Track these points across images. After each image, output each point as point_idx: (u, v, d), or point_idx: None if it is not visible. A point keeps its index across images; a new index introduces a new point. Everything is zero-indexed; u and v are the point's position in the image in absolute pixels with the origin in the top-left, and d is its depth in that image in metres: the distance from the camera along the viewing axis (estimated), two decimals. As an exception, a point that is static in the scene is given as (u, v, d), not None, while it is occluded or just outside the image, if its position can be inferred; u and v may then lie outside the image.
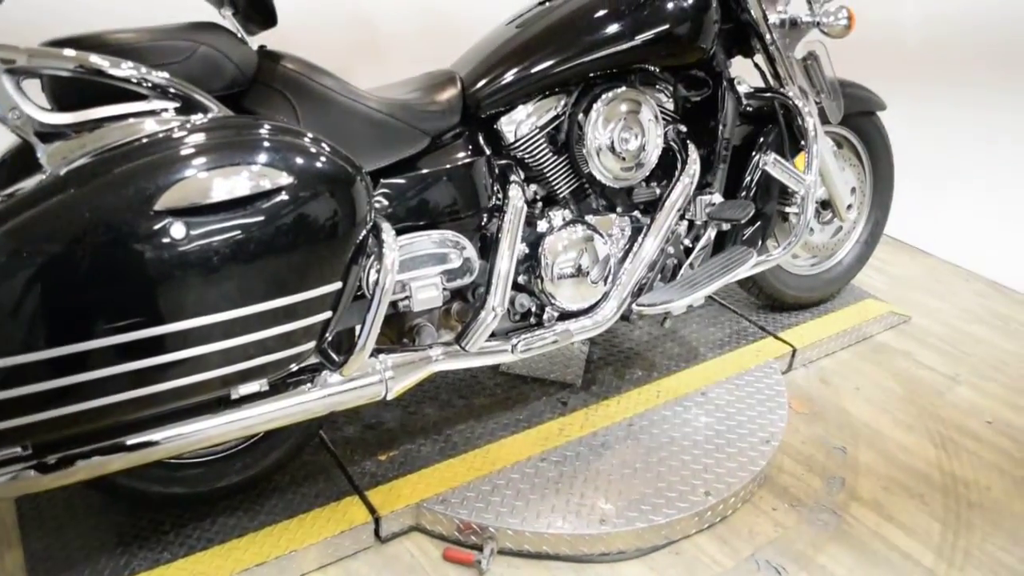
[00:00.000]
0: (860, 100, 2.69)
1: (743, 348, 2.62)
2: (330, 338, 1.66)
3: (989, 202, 3.22)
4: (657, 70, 2.20)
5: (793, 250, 2.42)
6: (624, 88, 2.07)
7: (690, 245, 2.30)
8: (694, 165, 2.20)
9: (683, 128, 2.26)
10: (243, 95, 1.68)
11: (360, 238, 1.59)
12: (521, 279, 2.09)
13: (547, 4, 2.13)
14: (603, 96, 2.05)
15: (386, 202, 1.83)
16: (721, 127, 2.29)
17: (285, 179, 1.45)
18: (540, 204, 2.14)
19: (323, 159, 1.52)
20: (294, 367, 1.62)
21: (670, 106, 2.25)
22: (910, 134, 3.25)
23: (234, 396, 1.62)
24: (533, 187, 2.12)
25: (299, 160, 1.49)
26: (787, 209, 2.44)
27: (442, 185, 1.91)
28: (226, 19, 1.72)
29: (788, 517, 2.11)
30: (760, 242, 2.42)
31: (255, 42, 1.76)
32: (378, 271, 1.67)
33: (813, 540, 2.05)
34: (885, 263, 3.32)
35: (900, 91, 3.26)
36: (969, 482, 2.26)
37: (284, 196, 1.46)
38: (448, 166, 1.92)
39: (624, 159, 2.09)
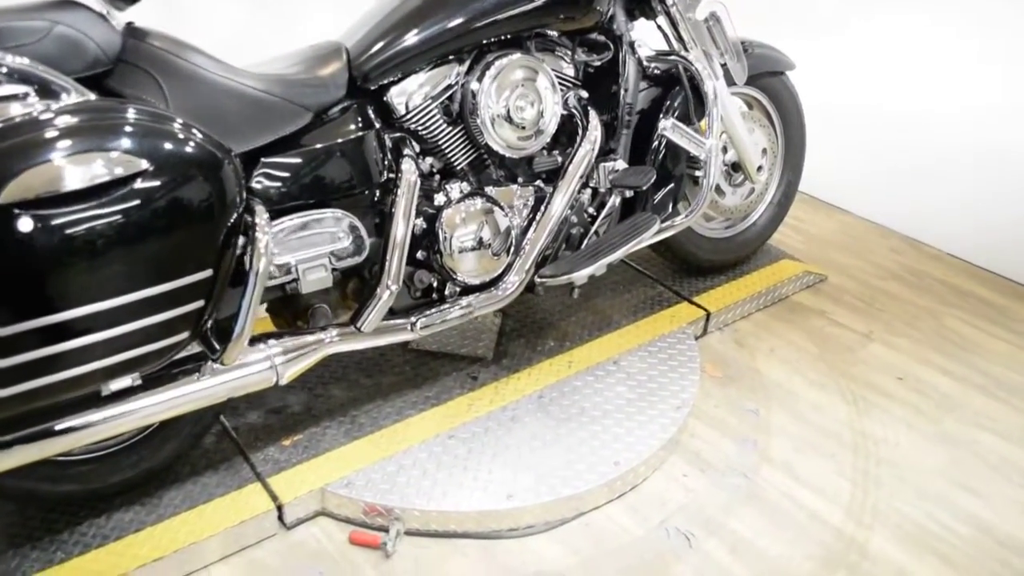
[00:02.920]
0: (768, 60, 2.67)
1: (657, 314, 2.60)
2: (209, 326, 1.61)
3: (903, 155, 3.23)
4: (555, 35, 2.15)
5: (697, 216, 2.40)
6: (518, 55, 2.02)
7: (595, 213, 2.26)
8: (595, 131, 2.16)
9: (584, 94, 2.22)
10: (108, 76, 1.60)
11: (230, 223, 1.52)
12: (420, 255, 2.04)
13: None
14: (496, 64, 1.99)
15: (268, 182, 1.76)
16: (622, 92, 2.25)
17: (142, 165, 1.38)
18: (437, 177, 2.08)
19: (185, 142, 1.45)
20: (170, 358, 1.56)
21: (570, 72, 2.20)
22: (823, 85, 3.25)
23: (106, 392, 1.55)
24: (429, 160, 2.06)
25: (158, 144, 1.41)
26: (695, 174, 2.41)
27: (329, 162, 1.84)
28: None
29: (699, 482, 2.11)
30: (667, 208, 2.40)
31: (126, 18, 1.68)
32: (251, 256, 1.61)
33: (723, 505, 2.06)
34: (802, 222, 3.33)
35: (811, 41, 3.26)
36: (879, 439, 2.28)
37: (142, 183, 1.39)
38: (334, 142, 1.85)
39: (521, 128, 2.04)
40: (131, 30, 1.65)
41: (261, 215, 1.61)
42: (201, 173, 1.46)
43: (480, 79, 1.98)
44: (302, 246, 1.80)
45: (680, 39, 2.34)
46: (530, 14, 2.02)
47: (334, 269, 1.85)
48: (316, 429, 2.13)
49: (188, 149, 1.44)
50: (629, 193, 2.28)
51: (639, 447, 2.09)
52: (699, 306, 2.64)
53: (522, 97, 2.02)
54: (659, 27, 2.37)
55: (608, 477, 2.01)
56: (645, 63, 2.30)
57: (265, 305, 1.97)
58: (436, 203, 2.04)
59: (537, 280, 2.14)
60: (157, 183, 1.40)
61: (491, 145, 2.03)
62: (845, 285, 2.96)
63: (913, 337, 2.70)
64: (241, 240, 1.59)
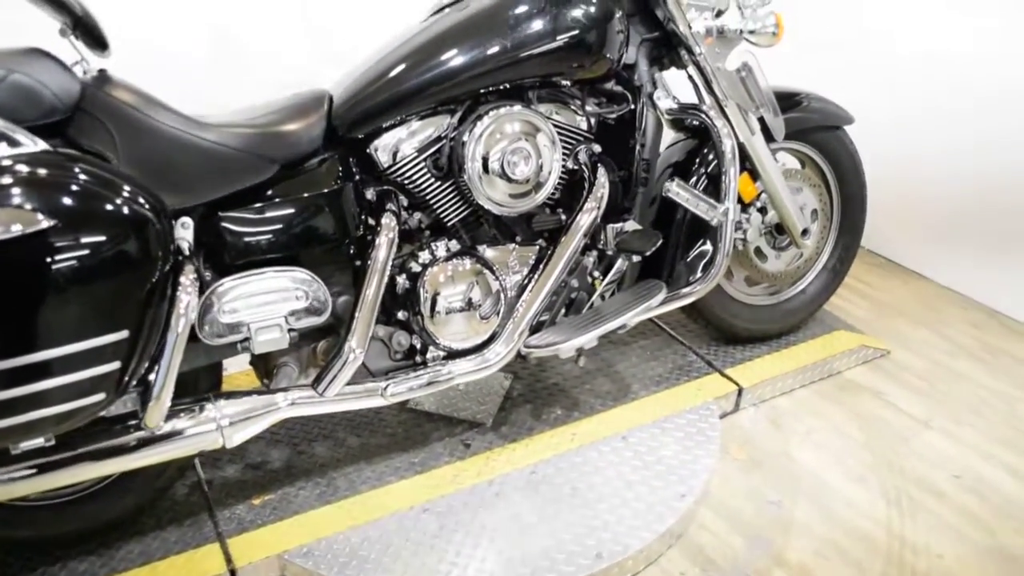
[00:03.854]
0: (822, 113, 2.44)
1: (682, 386, 2.39)
2: (133, 386, 1.53)
3: (991, 220, 2.90)
4: (565, 83, 2.00)
5: (708, 288, 2.18)
6: (512, 107, 1.88)
7: (600, 277, 2.09)
8: (602, 189, 1.99)
9: (596, 149, 2.06)
10: (68, 124, 1.56)
11: (152, 282, 1.45)
12: (401, 315, 1.93)
13: (443, 11, 1.95)
14: (488, 116, 1.86)
15: (225, 237, 1.69)
16: (638, 147, 2.08)
17: (47, 221, 1.32)
18: (427, 233, 1.97)
19: (105, 197, 1.38)
20: (86, 419, 1.49)
21: (580, 124, 2.05)
22: (901, 140, 2.96)
23: (15, 451, 1.50)
24: (417, 215, 1.95)
25: (70, 199, 1.35)
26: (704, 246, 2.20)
27: (293, 217, 1.75)
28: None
29: (695, 583, 1.90)
30: (684, 276, 2.20)
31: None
32: (171, 316, 1.52)
33: (719, 612, 1.83)
34: (870, 287, 3.04)
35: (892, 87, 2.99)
36: (919, 548, 2.00)
37: (51, 239, 1.33)
38: (301, 196, 1.76)
39: (514, 185, 1.90)
40: (98, 79, 1.61)
41: (188, 274, 1.53)
42: (117, 230, 1.38)
43: (470, 132, 1.86)
44: (255, 305, 1.70)
45: (711, 91, 2.15)
46: (528, 63, 1.89)
47: (291, 330, 1.75)
48: (290, 489, 2.03)
49: (104, 205, 1.38)
50: (636, 257, 2.09)
51: (629, 539, 1.89)
52: (731, 379, 2.41)
53: (516, 152, 1.88)
54: (690, 78, 2.18)
55: (587, 571, 1.82)
56: (667, 116, 2.12)
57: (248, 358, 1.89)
58: (421, 261, 1.92)
59: (523, 350, 1.98)
60: (67, 239, 1.34)
61: (481, 203, 1.90)
62: (909, 362, 2.65)
63: (979, 427, 2.38)
64: (169, 299, 1.52)
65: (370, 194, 1.89)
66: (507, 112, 1.87)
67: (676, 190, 2.09)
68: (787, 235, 2.40)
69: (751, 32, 2.01)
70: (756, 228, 2.35)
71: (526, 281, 2.00)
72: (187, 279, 1.53)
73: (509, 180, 1.88)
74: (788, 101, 2.39)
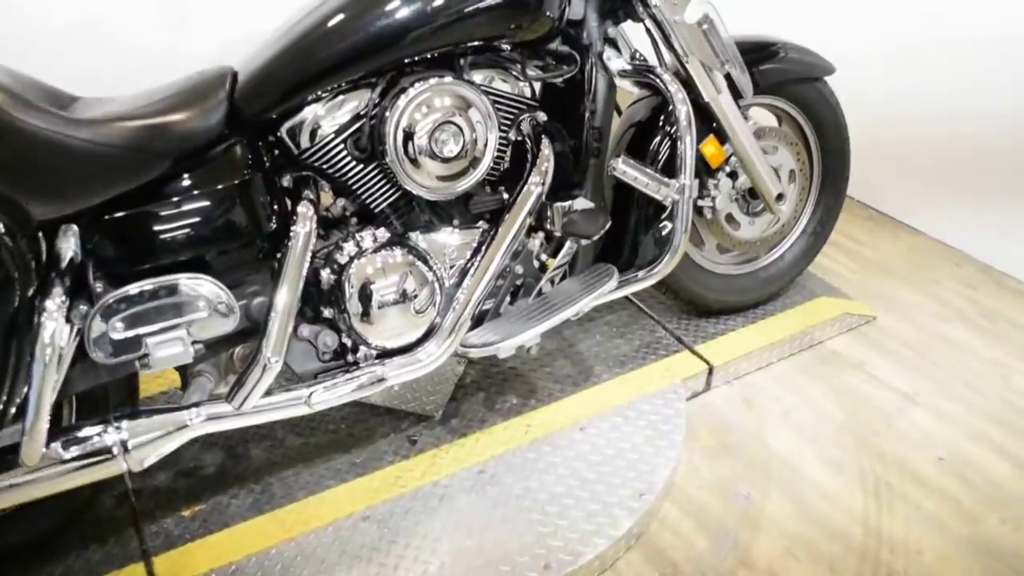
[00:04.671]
0: (800, 64, 2.22)
1: (649, 366, 2.23)
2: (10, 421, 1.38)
3: (989, 168, 2.68)
4: (503, 47, 1.79)
5: (664, 273, 1.99)
6: (438, 78, 1.68)
7: (548, 262, 1.91)
8: (546, 163, 1.80)
9: (541, 117, 1.86)
10: None
11: (12, 308, 1.28)
12: (327, 313, 1.76)
13: None
14: (410, 89, 1.66)
15: (112, 245, 1.51)
16: (587, 114, 1.88)
17: None
18: (354, 222, 1.79)
19: None
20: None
21: (522, 91, 1.84)
22: (889, 80, 2.73)
23: None
24: (341, 202, 1.77)
25: None
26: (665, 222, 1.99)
27: (194, 214, 1.57)
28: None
29: (653, 591, 1.77)
30: (644, 257, 2.01)
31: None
32: (33, 344, 1.36)
33: (677, 623, 1.71)
34: (859, 243, 2.85)
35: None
36: (897, 544, 1.86)
37: None
38: (204, 190, 1.57)
39: (443, 166, 1.71)
40: None
41: (55, 296, 1.36)
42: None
43: (390, 109, 1.66)
44: (150, 318, 1.54)
45: (671, 47, 1.93)
46: (454, 27, 1.68)
47: (196, 342, 1.59)
48: (223, 497, 1.90)
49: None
50: (585, 241, 1.90)
51: (581, 546, 1.76)
52: (701, 357, 2.25)
53: (444, 129, 1.68)
54: (648, 32, 1.96)
55: (535, 584, 1.69)
56: (621, 77, 1.90)
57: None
58: (346, 253, 1.75)
59: (459, 350, 1.81)
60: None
61: (407, 187, 1.72)
62: (897, 329, 2.48)
63: (970, 402, 2.22)
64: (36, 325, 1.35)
65: (286, 182, 1.71)
66: (432, 84, 1.67)
67: (622, 168, 1.89)
68: (761, 200, 2.20)
69: None
70: (726, 194, 2.16)
71: (466, 268, 1.83)
72: (53, 302, 1.36)
73: (438, 160, 1.69)
74: (761, 52, 2.18)
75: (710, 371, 2.23)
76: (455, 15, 1.67)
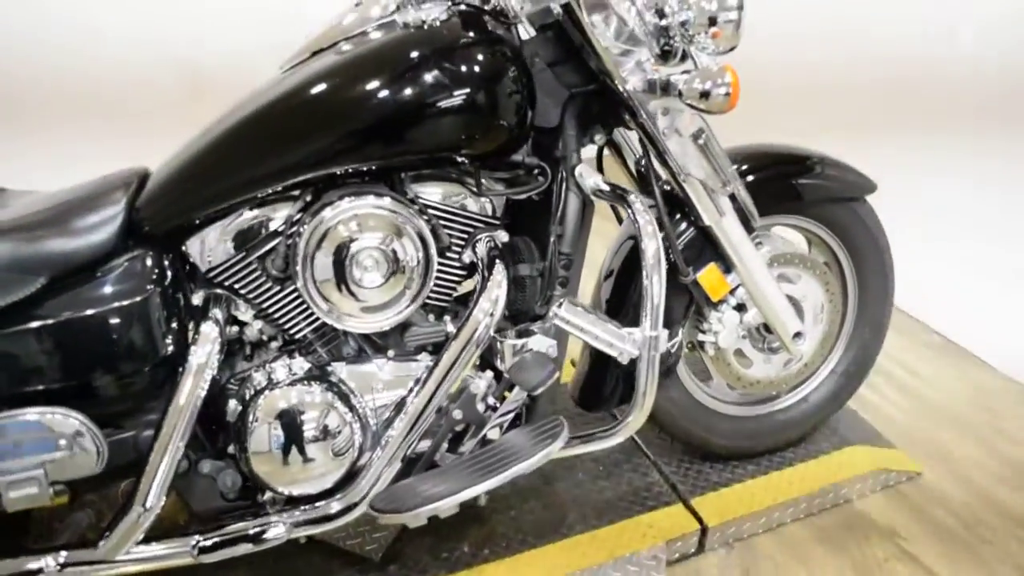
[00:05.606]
0: (837, 182, 1.90)
1: (632, 519, 1.91)
2: None
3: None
4: (456, 157, 1.56)
5: (619, 439, 1.68)
6: (357, 197, 1.45)
7: (495, 405, 1.64)
8: (496, 290, 1.54)
9: (501, 237, 1.61)
10: None
11: None
12: (231, 449, 1.55)
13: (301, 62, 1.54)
14: (323, 212, 1.44)
15: None
16: (553, 238, 1.61)
17: None
18: (274, 346, 1.58)
19: None
20: None
21: (483, 207, 1.60)
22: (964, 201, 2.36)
23: None
24: (259, 325, 1.56)
25: None
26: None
27: (69, 337, 1.39)
28: None
29: None
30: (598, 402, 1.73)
31: None
32: None
33: None
34: (916, 376, 2.45)
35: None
36: None
37: None
38: (87, 310, 1.40)
39: (367, 296, 1.48)
40: None
41: None
42: None
43: (300, 232, 1.45)
44: (4, 455, 1.36)
45: (665, 164, 1.65)
46: (388, 140, 1.46)
47: (55, 483, 1.40)
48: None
49: None
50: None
51: None
52: (695, 514, 1.92)
53: (366, 256, 1.46)
54: (641, 143, 1.69)
55: None
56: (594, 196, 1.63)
57: None
58: (255, 384, 1.53)
59: (368, 510, 1.56)
60: None
61: (324, 319, 1.50)
62: (946, 491, 2.08)
63: (1022, 599, 1.82)
64: None
65: (197, 299, 1.52)
66: (352, 205, 1.45)
67: (563, 314, 1.59)
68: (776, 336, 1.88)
69: (686, 92, 1.49)
70: (732, 329, 1.84)
71: (398, 408, 1.58)
72: None
73: (359, 293, 1.46)
74: (794, 166, 1.89)
75: (703, 532, 1.90)
76: (391, 126, 1.46)
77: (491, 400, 1.62)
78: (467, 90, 1.46)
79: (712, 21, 1.50)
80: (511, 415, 1.64)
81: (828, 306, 1.95)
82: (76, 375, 1.40)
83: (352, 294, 1.47)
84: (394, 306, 1.50)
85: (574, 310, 1.57)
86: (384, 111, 1.44)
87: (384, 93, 1.44)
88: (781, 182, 1.88)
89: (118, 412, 1.47)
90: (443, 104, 1.46)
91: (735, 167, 1.81)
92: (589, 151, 1.77)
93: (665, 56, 1.58)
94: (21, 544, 1.48)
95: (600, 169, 1.82)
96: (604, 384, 1.78)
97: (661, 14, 1.53)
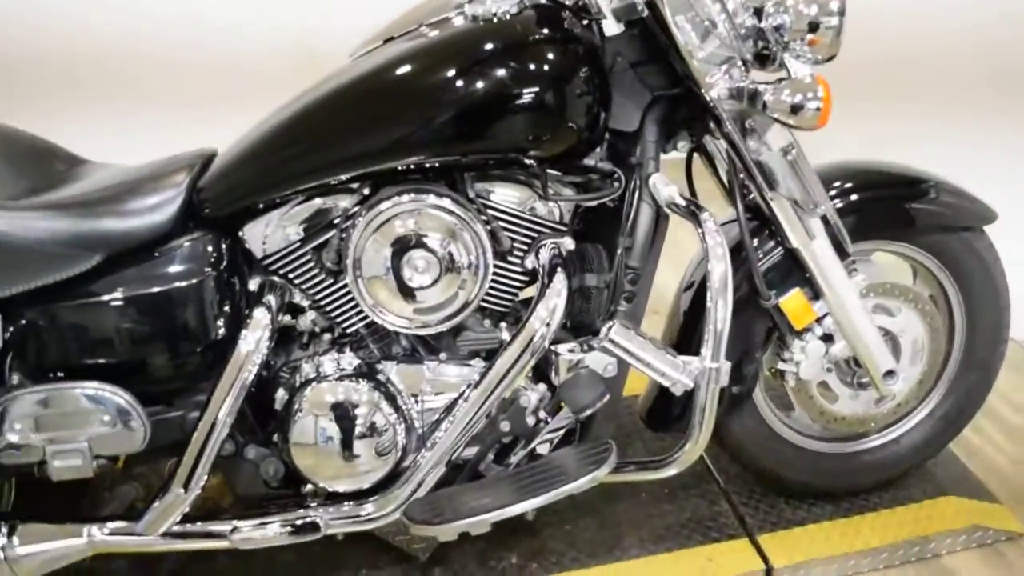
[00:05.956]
0: (951, 209, 1.73)
1: (691, 549, 1.81)
2: None
3: None
4: (523, 159, 1.49)
5: (678, 469, 1.56)
6: (417, 195, 1.41)
7: (546, 419, 1.56)
8: (555, 299, 1.46)
9: (567, 245, 1.53)
10: None
11: None
12: (276, 438, 1.54)
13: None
14: (378, 206, 1.40)
15: (27, 339, 1.39)
16: (620, 249, 1.52)
17: None
18: (327, 338, 1.56)
19: None
20: None
21: (550, 212, 1.53)
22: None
23: None
24: (312, 316, 1.54)
25: None
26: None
27: (124, 316, 1.42)
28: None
29: None
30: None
31: None
32: None
33: None
34: (1032, 427, 2.22)
35: None
36: None
37: None
38: (143, 290, 1.42)
39: (417, 297, 1.43)
40: None
41: None
42: None
43: (354, 227, 1.41)
44: (52, 424, 1.39)
45: (752, 178, 1.53)
46: (452, 138, 1.41)
47: (99, 456, 1.42)
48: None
49: None
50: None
51: None
52: (761, 552, 1.80)
53: (418, 256, 1.41)
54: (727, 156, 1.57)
55: None
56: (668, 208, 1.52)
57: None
58: (303, 375, 1.52)
59: (402, 517, 1.52)
60: None
61: (373, 319, 1.47)
62: (1049, 559, 1.88)
63: None
64: None
65: (253, 285, 1.51)
66: (408, 201, 1.40)
67: (614, 336, 1.49)
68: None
69: (773, 103, 1.37)
70: (816, 361, 1.70)
71: (444, 412, 1.54)
72: None
73: (409, 294, 1.42)
74: (905, 189, 1.74)
75: (768, 572, 1.77)
76: (453, 123, 1.40)
77: (542, 414, 1.55)
78: (535, 89, 1.40)
79: (811, 27, 1.37)
80: (563, 431, 1.57)
81: (930, 344, 1.78)
82: (127, 353, 1.42)
83: (402, 294, 1.43)
84: (444, 309, 1.45)
85: (625, 333, 1.48)
86: (445, 108, 1.39)
87: (446, 89, 1.39)
88: (889, 205, 1.73)
89: (166, 392, 1.49)
90: (508, 103, 1.40)
91: (840, 183, 1.69)
92: (674, 156, 1.67)
93: (762, 60, 1.47)
94: (70, 510, 1.52)
95: (689, 176, 1.73)
96: (671, 405, 1.67)
97: (759, 14, 1.41)
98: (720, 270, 1.41)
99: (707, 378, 1.44)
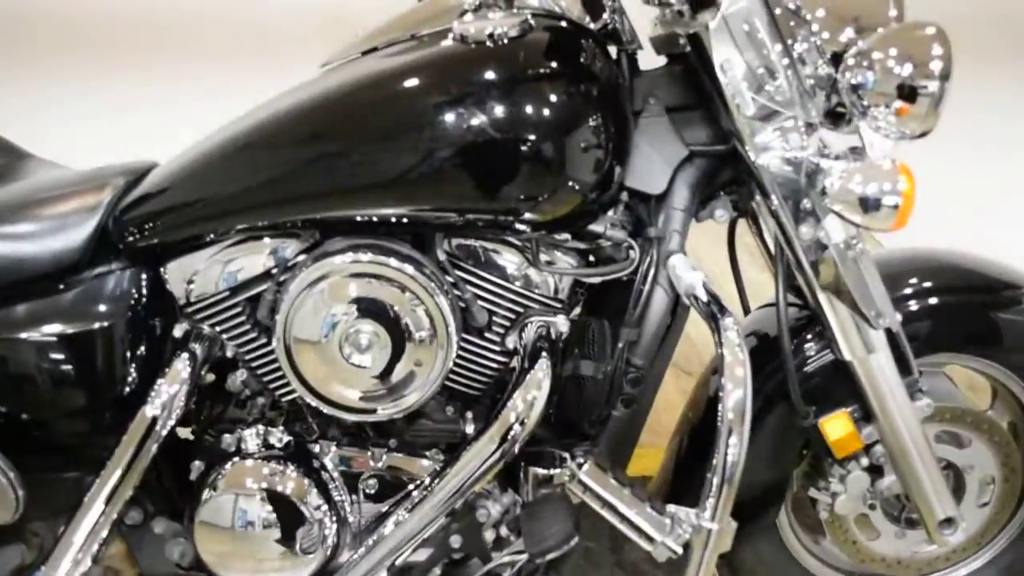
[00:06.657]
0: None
1: None
2: None
3: None
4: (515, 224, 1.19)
5: None
6: (376, 253, 1.13)
7: (508, 538, 1.27)
8: (535, 391, 1.16)
9: (560, 325, 1.23)
10: None
11: None
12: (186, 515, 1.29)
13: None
14: (334, 259, 1.13)
15: None
16: (623, 343, 1.22)
17: None
18: (260, 403, 1.30)
19: None
20: None
21: (541, 285, 1.23)
22: None
23: None
24: (241, 375, 1.28)
25: None
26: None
27: (11, 363, 1.18)
28: None
29: None
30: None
31: None
32: None
33: None
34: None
35: None
36: None
37: None
38: (35, 333, 1.17)
39: (351, 381, 1.16)
40: None
41: None
42: None
43: (286, 287, 1.14)
44: None
45: (801, 270, 1.21)
46: (421, 190, 1.13)
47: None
48: None
49: None
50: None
51: None
52: None
53: (365, 329, 1.13)
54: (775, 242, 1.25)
55: None
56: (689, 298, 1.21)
57: None
58: (222, 448, 1.26)
59: None
60: None
61: (302, 397, 1.20)
62: None
63: None
64: None
65: (178, 331, 1.25)
66: (360, 258, 1.12)
67: (583, 479, 1.17)
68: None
69: (860, 203, 1.04)
70: (858, 495, 1.38)
71: (388, 512, 1.26)
72: None
73: (349, 371, 1.15)
74: (996, 296, 1.40)
75: None
76: (430, 173, 1.11)
77: (504, 531, 1.26)
78: (531, 137, 1.10)
79: (902, 92, 1.03)
80: (520, 557, 1.27)
81: (1002, 484, 1.44)
82: (6, 406, 1.18)
83: (339, 370, 1.15)
84: (393, 396, 1.17)
85: (596, 474, 1.16)
86: (418, 151, 1.10)
87: (420, 128, 1.10)
88: (973, 313, 1.39)
89: (61, 451, 1.24)
90: (496, 153, 1.10)
91: (913, 280, 1.36)
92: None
93: (833, 119, 1.14)
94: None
95: (731, 244, 1.41)
96: None
97: (837, 62, 1.08)
98: (737, 397, 1.08)
99: (703, 540, 1.12)
